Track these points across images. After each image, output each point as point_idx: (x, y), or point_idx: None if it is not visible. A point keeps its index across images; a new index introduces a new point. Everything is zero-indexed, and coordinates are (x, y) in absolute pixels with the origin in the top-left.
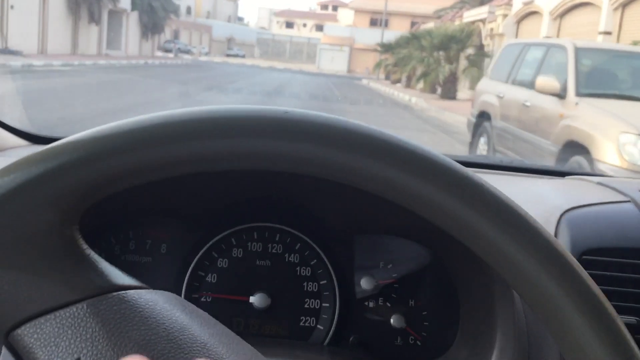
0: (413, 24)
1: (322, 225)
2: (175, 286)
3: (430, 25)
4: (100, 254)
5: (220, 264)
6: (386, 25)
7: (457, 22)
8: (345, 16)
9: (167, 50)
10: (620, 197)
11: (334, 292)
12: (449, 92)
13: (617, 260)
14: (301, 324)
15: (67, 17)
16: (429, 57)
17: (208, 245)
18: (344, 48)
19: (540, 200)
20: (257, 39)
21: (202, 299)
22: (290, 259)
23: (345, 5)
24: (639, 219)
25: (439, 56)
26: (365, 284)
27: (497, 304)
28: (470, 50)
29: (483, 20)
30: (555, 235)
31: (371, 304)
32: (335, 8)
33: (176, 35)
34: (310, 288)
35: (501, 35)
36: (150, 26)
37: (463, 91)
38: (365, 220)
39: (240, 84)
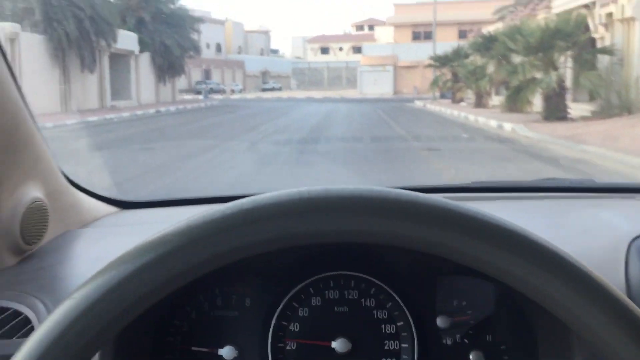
0: (461, 33)
1: (394, 269)
2: (261, 336)
3: (491, 28)
4: (191, 312)
5: (301, 313)
6: (430, 37)
7: (540, 15)
8: (384, 34)
9: (199, 92)
10: None
11: (412, 333)
12: (557, 110)
13: None
14: None
15: (52, 69)
16: (524, 64)
17: (289, 296)
18: (387, 68)
19: (608, 227)
20: (292, 69)
21: (287, 347)
22: (366, 303)
23: (382, 23)
24: None
25: (538, 60)
26: (441, 322)
27: (575, 342)
28: (573, 49)
29: (588, 6)
30: (626, 263)
31: (449, 342)
32: (371, 27)
33: (207, 75)
34: (388, 330)
35: (630, 19)
36: (166, 68)
37: (573, 107)
38: (436, 262)
39: (268, 127)
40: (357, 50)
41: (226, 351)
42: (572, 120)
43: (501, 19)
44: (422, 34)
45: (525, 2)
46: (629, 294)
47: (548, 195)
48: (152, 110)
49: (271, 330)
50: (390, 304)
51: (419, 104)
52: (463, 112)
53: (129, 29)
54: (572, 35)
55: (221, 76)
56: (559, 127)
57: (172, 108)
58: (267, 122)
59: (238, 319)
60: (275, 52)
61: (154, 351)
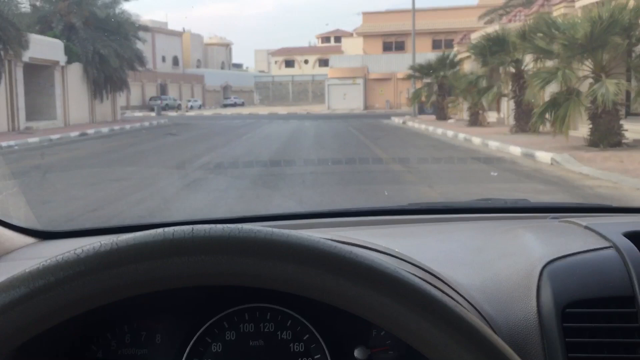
0: (435, 43)
1: (310, 300)
2: None
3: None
4: (97, 351)
5: (214, 349)
6: (402, 47)
7: (558, 11)
8: (352, 46)
9: (152, 109)
10: (604, 243)
11: None
12: (609, 132)
13: (603, 311)
14: None
15: None
16: (563, 68)
17: (200, 331)
18: (357, 80)
19: (525, 251)
20: (254, 83)
21: None
22: (283, 336)
23: (349, 35)
24: (620, 266)
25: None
26: (359, 354)
27: None
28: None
29: None
30: (538, 289)
31: None
32: (338, 39)
33: (163, 89)
34: None
35: None
36: (103, 81)
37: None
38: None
39: (210, 157)
40: (324, 63)
41: None
42: (630, 146)
43: (489, 23)
44: (393, 44)
45: (521, 3)
46: (540, 319)
47: (481, 217)
48: (75, 133)
49: None
50: (307, 336)
51: (397, 120)
52: (460, 133)
53: (55, 36)
54: (631, 28)
55: (179, 91)
56: (626, 159)
57: (105, 129)
58: (213, 149)
59: (148, 357)
60: (238, 66)
61: None
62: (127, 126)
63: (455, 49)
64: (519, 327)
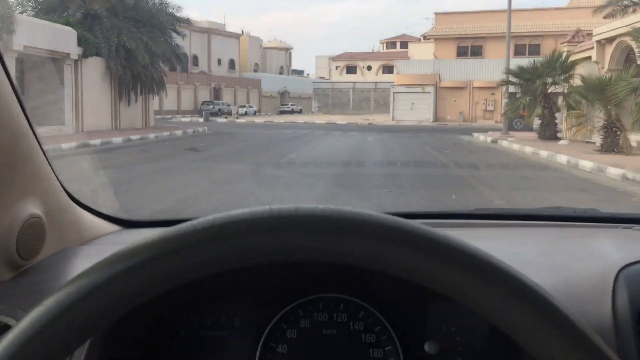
0: (518, 48)
1: (384, 293)
2: (249, 357)
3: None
4: (180, 330)
5: (289, 335)
6: (479, 53)
7: None
8: (420, 52)
9: (205, 114)
10: None
11: (399, 358)
12: None
13: None
14: None
15: None
16: None
17: (277, 317)
18: (427, 88)
19: (599, 255)
20: (313, 89)
21: None
22: (355, 327)
23: (416, 40)
24: None
25: None
26: (429, 348)
27: None
28: None
29: None
30: (613, 293)
31: None
32: (404, 45)
33: (217, 94)
34: (376, 354)
35: None
36: (128, 81)
37: None
38: (424, 288)
39: (229, 195)
40: (388, 69)
41: None
42: None
43: (609, 16)
44: (469, 48)
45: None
46: (615, 322)
47: (549, 224)
48: (71, 145)
49: (259, 351)
50: (378, 327)
51: (482, 138)
52: (612, 168)
53: (67, 23)
54: None
55: (233, 96)
56: None
57: (119, 139)
58: (227, 183)
59: (226, 339)
60: (299, 73)
61: None
62: (152, 135)
63: (566, 49)
64: (594, 329)
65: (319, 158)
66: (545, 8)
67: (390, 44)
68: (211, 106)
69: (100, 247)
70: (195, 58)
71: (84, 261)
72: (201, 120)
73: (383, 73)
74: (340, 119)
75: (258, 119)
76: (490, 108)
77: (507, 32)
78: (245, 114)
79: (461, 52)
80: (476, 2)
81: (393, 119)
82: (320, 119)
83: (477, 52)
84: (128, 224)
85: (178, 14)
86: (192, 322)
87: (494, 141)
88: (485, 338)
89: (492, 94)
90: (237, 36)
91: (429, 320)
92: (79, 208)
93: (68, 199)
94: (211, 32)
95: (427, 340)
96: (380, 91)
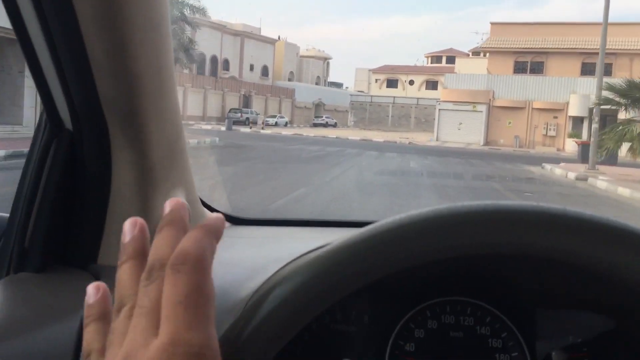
0: (586, 66)
1: (511, 299)
2: (377, 353)
3: None
4: (312, 323)
5: (417, 334)
6: (539, 70)
7: None
8: (468, 68)
9: (234, 122)
10: None
11: None
12: None
13: None
14: None
15: None
16: None
17: (407, 316)
18: (478, 107)
19: None
20: (350, 102)
21: None
22: (481, 331)
23: (464, 55)
24: None
25: None
26: (557, 357)
27: None
28: None
29: None
30: None
31: None
32: (451, 60)
33: (247, 101)
34: (502, 359)
35: None
36: None
37: None
38: (553, 295)
39: None
40: (432, 85)
41: None
42: None
43: None
44: (528, 64)
45: None
46: None
47: None
48: (9, 152)
49: (389, 347)
50: (505, 333)
51: (558, 171)
52: None
53: None
54: None
55: (264, 105)
56: None
57: None
58: None
59: (356, 334)
60: (338, 85)
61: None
62: None
63: None
64: None
65: (338, 200)
66: (621, 22)
67: (436, 58)
68: (239, 114)
69: (225, 239)
70: (226, 62)
71: (218, 251)
72: (223, 129)
73: (426, 89)
74: (377, 136)
75: (287, 131)
76: (551, 133)
77: (600, 44)
78: (276, 124)
79: (518, 68)
80: (533, 17)
81: (437, 139)
82: (356, 134)
83: (537, 68)
84: (236, 220)
85: (192, 2)
86: (324, 316)
87: (581, 179)
88: (612, 350)
89: (555, 117)
90: (272, 42)
91: (557, 330)
92: (200, 203)
93: (197, 194)
94: (245, 35)
95: (553, 349)
96: (422, 108)
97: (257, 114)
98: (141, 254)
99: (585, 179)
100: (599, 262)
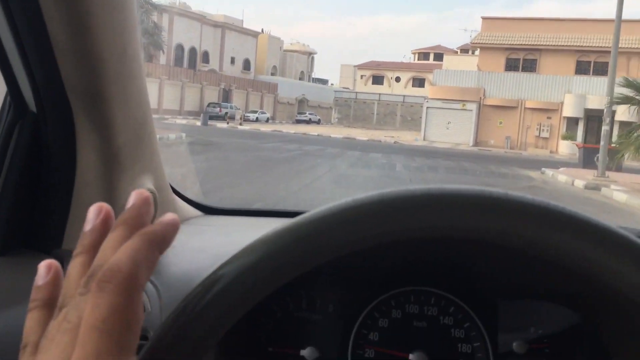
0: (581, 64)
1: (475, 290)
2: (341, 342)
3: None
4: (276, 311)
5: (381, 324)
6: (532, 67)
7: None
8: (457, 65)
9: (212, 117)
10: None
11: (488, 355)
12: None
13: None
14: None
15: None
16: None
17: (371, 305)
18: (468, 105)
19: None
20: (334, 99)
21: (366, 355)
22: (445, 321)
23: (452, 53)
24: None
25: None
26: (518, 347)
27: None
28: None
29: None
30: None
31: None
32: (439, 57)
33: (226, 96)
34: (464, 349)
35: None
36: None
37: None
38: (516, 286)
39: None
40: (419, 83)
41: (308, 352)
42: None
43: None
44: (520, 62)
45: None
46: None
47: None
48: None
49: (352, 336)
50: (468, 324)
51: (562, 178)
52: None
53: None
54: None
55: (245, 99)
56: None
57: None
58: None
59: (320, 323)
60: (323, 82)
61: (236, 345)
62: None
63: None
64: None
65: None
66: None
67: (423, 54)
68: (218, 109)
69: (194, 227)
70: (205, 54)
71: (186, 237)
72: (198, 124)
73: (413, 86)
74: (361, 134)
75: (267, 127)
76: (544, 134)
77: (613, 38)
78: (257, 120)
79: (510, 65)
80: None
81: (424, 139)
82: (339, 132)
83: (529, 66)
84: (208, 210)
85: None
86: (289, 304)
87: (592, 188)
88: (573, 343)
89: (549, 118)
90: (255, 34)
91: (519, 321)
92: (171, 190)
93: (167, 180)
94: (226, 27)
95: (515, 339)
96: (409, 106)
97: (237, 109)
98: (98, 248)
99: (596, 189)
100: (535, 245)
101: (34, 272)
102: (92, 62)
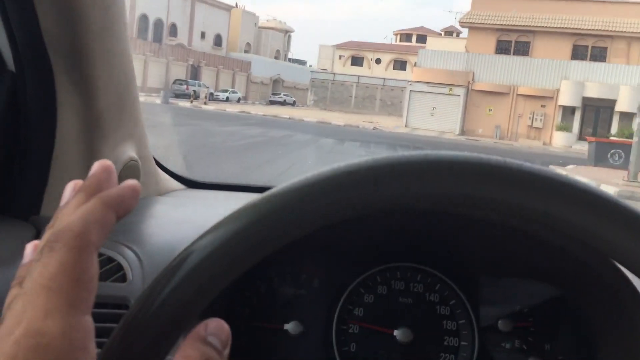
0: (578, 49)
1: (462, 266)
2: (326, 317)
3: None
4: (260, 287)
5: (366, 299)
6: (524, 51)
7: None
8: (442, 47)
9: (178, 95)
10: None
11: (473, 332)
12: None
13: None
14: None
15: None
16: None
17: (357, 281)
18: (455, 90)
19: None
20: (310, 80)
21: (350, 330)
22: (430, 298)
23: (436, 35)
24: None
25: None
26: (502, 325)
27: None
28: None
29: None
30: None
31: (508, 346)
32: (422, 39)
33: (195, 72)
34: (449, 326)
35: None
36: None
37: None
38: (501, 263)
39: None
40: (400, 65)
41: (292, 326)
42: None
43: None
44: (512, 44)
45: None
46: None
47: None
48: None
49: (337, 311)
50: (453, 301)
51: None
52: None
53: None
54: None
55: (215, 77)
56: None
57: None
58: None
59: (305, 298)
60: (302, 63)
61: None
62: None
63: None
64: None
65: None
66: (618, 0)
67: (405, 36)
68: (184, 86)
69: (178, 199)
70: (173, 27)
71: (169, 208)
72: (159, 101)
73: (394, 69)
74: (337, 118)
75: (235, 108)
76: (537, 124)
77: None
78: (227, 100)
79: (501, 48)
80: None
81: (406, 125)
82: (314, 115)
83: (522, 49)
84: (192, 184)
85: None
86: (273, 279)
87: (627, 196)
88: (557, 320)
89: (543, 106)
90: (228, 8)
91: (504, 299)
92: (154, 162)
93: (150, 150)
94: None
95: (500, 318)
96: (389, 89)
97: (206, 87)
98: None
99: (632, 198)
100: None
101: (11, 239)
102: (74, 16)
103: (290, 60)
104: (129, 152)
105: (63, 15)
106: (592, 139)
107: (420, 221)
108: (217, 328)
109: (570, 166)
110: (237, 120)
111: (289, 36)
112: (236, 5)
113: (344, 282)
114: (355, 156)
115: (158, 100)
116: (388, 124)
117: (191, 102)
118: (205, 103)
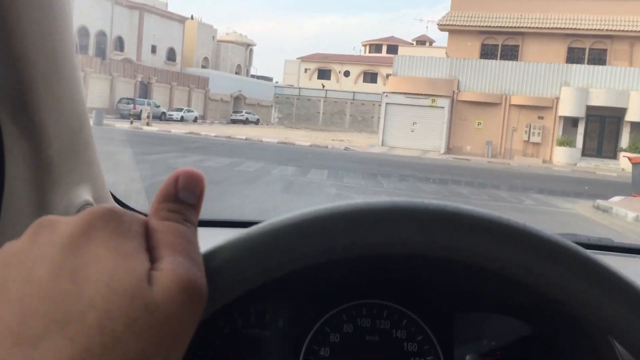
0: (572, 51)
1: (428, 302)
2: (291, 358)
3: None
4: (224, 327)
5: (332, 339)
6: (513, 55)
7: None
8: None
9: (124, 116)
10: None
11: None
12: None
13: None
14: None
15: None
16: None
17: (322, 320)
18: (438, 102)
19: None
20: (274, 95)
21: None
22: (397, 334)
23: (408, 44)
24: None
25: None
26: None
27: None
28: None
29: None
30: None
31: None
32: (393, 49)
33: (145, 90)
34: None
35: None
36: None
37: None
38: (469, 298)
39: None
40: (370, 77)
41: None
42: None
43: None
44: (499, 48)
45: None
46: None
47: (604, 254)
48: None
49: (302, 352)
50: (420, 337)
51: None
52: None
53: None
54: None
55: (168, 95)
56: None
57: None
58: None
59: (269, 339)
60: (267, 79)
61: None
62: None
63: None
64: None
65: None
66: None
67: (375, 47)
68: (131, 105)
69: None
70: (119, 40)
71: None
72: (91, 123)
73: (364, 81)
74: (303, 137)
75: (184, 128)
76: (535, 139)
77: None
78: (182, 119)
79: (487, 53)
80: None
81: (383, 144)
82: (276, 134)
83: (509, 53)
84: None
85: None
86: (236, 320)
87: None
88: (526, 355)
89: (541, 118)
90: (182, 20)
91: (472, 333)
92: (113, 200)
93: (108, 190)
94: (145, 9)
95: (468, 353)
96: (359, 104)
97: (157, 106)
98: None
99: None
100: (484, 259)
101: None
102: (18, 63)
103: (254, 77)
104: (84, 195)
105: (6, 62)
106: (638, 159)
107: (386, 259)
108: (188, 179)
109: (616, 198)
110: (176, 145)
111: (251, 50)
112: (192, 17)
113: (309, 322)
114: (322, 196)
115: (91, 123)
116: (361, 142)
117: (131, 122)
118: (147, 124)
